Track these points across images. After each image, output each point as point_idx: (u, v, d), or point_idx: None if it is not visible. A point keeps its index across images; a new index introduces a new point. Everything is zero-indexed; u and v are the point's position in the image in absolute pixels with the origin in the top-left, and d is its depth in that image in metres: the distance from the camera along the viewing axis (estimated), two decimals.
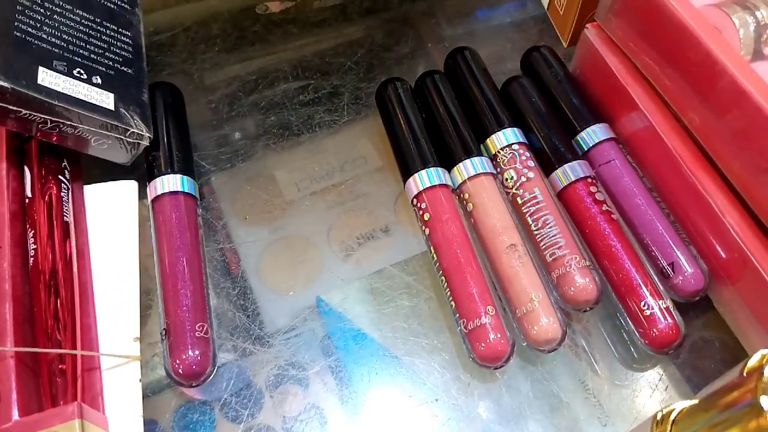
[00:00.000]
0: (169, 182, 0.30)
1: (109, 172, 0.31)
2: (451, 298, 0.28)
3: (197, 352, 0.26)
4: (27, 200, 0.28)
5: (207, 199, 0.33)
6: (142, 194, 0.31)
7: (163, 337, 0.27)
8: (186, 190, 0.30)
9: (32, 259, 0.27)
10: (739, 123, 0.26)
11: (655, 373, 0.29)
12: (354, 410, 0.28)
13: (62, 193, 0.29)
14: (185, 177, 0.30)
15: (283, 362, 0.29)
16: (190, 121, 0.34)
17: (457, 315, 0.28)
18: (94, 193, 0.30)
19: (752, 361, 0.19)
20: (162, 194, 0.29)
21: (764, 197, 0.27)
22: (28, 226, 0.28)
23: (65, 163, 0.30)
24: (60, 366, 0.25)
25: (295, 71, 0.38)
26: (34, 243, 0.27)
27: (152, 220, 0.29)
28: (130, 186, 0.31)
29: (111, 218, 0.30)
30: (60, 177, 0.29)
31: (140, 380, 0.26)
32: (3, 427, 0.23)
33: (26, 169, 0.29)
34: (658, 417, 0.22)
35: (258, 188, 0.34)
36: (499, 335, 0.26)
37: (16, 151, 0.29)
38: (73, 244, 0.28)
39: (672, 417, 0.21)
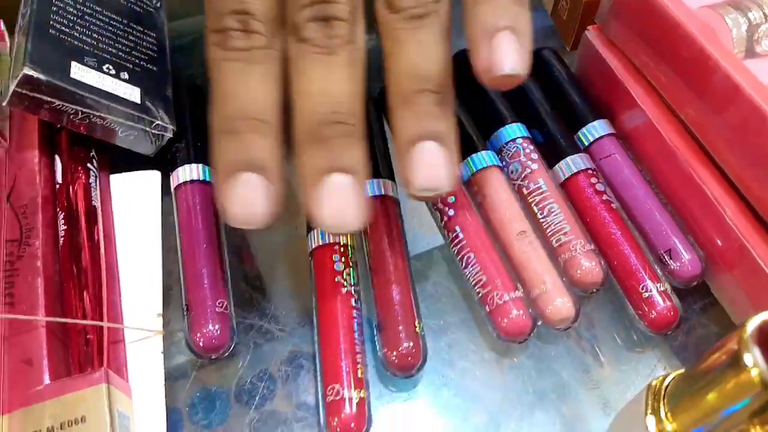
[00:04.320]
0: (192, 171, 0.31)
1: (131, 164, 0.33)
2: (477, 277, 0.29)
3: (217, 326, 0.27)
4: (57, 186, 0.30)
5: None
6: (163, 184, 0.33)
7: (185, 313, 0.28)
8: (206, 179, 0.31)
9: (62, 239, 0.28)
10: (732, 116, 0.28)
11: (654, 358, 0.30)
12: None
13: (90, 180, 0.30)
14: (206, 166, 0.32)
15: (297, 348, 0.30)
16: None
17: (482, 293, 0.29)
18: (120, 182, 0.32)
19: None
20: (184, 182, 0.31)
21: (757, 187, 0.28)
22: (58, 209, 0.29)
23: (93, 152, 0.32)
24: (87, 336, 0.26)
25: None
26: (64, 224, 0.29)
27: (175, 206, 0.31)
28: (154, 176, 0.32)
29: (135, 205, 0.31)
30: (88, 165, 0.31)
31: (162, 353, 0.28)
32: (35, 390, 0.24)
33: (57, 157, 0.31)
34: (653, 384, 0.23)
35: None
36: (521, 311, 0.28)
37: (47, 140, 0.31)
38: (101, 226, 0.30)
39: (665, 383, 0.23)
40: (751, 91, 0.27)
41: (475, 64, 0.24)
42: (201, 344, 0.27)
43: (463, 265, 0.30)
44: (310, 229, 0.30)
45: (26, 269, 0.27)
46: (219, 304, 0.28)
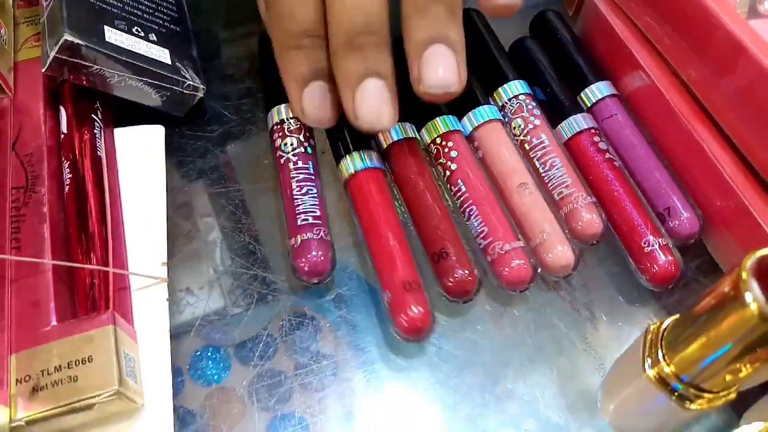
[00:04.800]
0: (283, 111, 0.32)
1: (135, 119, 0.33)
2: (479, 228, 0.29)
3: (320, 253, 0.29)
4: (62, 136, 0.30)
5: None
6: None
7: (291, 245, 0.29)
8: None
9: (67, 187, 0.29)
10: (734, 74, 0.28)
11: (650, 313, 0.31)
12: (366, 348, 0.29)
13: (95, 131, 0.31)
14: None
15: (297, 308, 0.30)
16: (212, 75, 0.36)
17: (483, 244, 0.29)
18: (124, 135, 0.32)
19: None
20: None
21: (757, 146, 0.28)
22: (63, 158, 0.29)
23: (98, 104, 0.32)
24: (93, 281, 0.26)
25: None
26: (70, 173, 0.29)
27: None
28: (158, 130, 0.33)
29: (140, 157, 0.32)
30: (93, 117, 0.31)
31: (167, 299, 0.28)
32: (42, 330, 0.25)
33: (62, 108, 0.31)
34: (651, 328, 0.23)
35: None
36: (522, 261, 0.29)
37: (52, 93, 0.31)
38: (105, 176, 0.30)
39: (663, 327, 0.23)
40: (755, 49, 0.27)
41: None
42: (306, 269, 0.28)
43: (466, 217, 0.30)
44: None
45: (32, 215, 0.27)
46: (324, 232, 0.29)
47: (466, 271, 0.28)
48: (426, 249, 0.29)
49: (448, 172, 0.31)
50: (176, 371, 0.28)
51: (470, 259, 0.29)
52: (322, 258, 0.28)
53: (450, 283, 0.28)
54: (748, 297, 0.18)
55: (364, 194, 0.30)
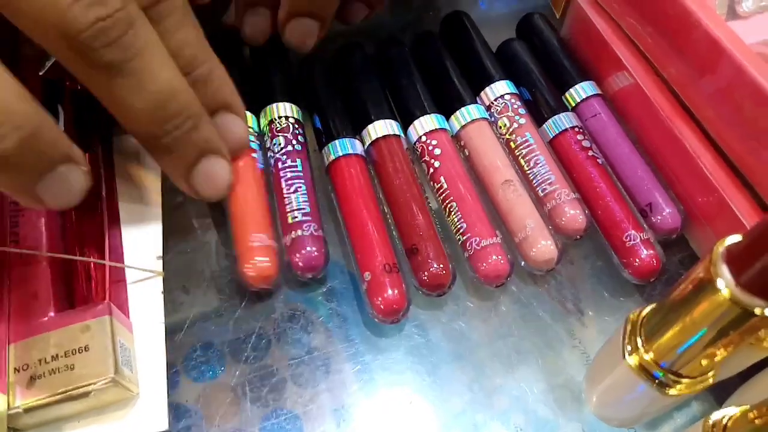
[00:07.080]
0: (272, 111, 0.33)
1: None
2: (458, 224, 0.30)
3: (313, 248, 0.29)
4: None
5: None
6: None
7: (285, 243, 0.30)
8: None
9: None
10: (712, 72, 0.29)
11: (635, 309, 0.31)
12: (356, 341, 0.30)
13: (93, 131, 0.31)
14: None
15: (289, 303, 0.31)
16: None
17: (462, 240, 0.30)
18: (122, 140, 0.33)
19: None
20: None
21: (735, 141, 0.29)
22: None
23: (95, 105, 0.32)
24: (90, 274, 0.27)
25: None
26: None
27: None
28: None
29: (136, 154, 0.32)
30: (90, 117, 0.32)
31: (162, 293, 0.29)
32: (40, 321, 0.25)
33: (60, 110, 0.31)
34: (630, 317, 0.24)
35: None
36: (499, 257, 0.29)
37: (50, 93, 0.32)
38: (102, 172, 0.30)
39: (642, 315, 0.24)
40: (733, 50, 0.28)
41: None
42: (300, 264, 0.29)
43: (447, 213, 0.31)
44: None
45: (30, 210, 0.28)
46: (315, 228, 0.30)
47: (441, 266, 0.29)
48: (402, 243, 0.30)
49: (431, 170, 0.32)
50: (171, 367, 0.29)
51: (446, 254, 0.29)
52: (315, 253, 0.29)
53: (424, 277, 0.29)
54: (720, 283, 0.19)
55: (345, 178, 0.31)
